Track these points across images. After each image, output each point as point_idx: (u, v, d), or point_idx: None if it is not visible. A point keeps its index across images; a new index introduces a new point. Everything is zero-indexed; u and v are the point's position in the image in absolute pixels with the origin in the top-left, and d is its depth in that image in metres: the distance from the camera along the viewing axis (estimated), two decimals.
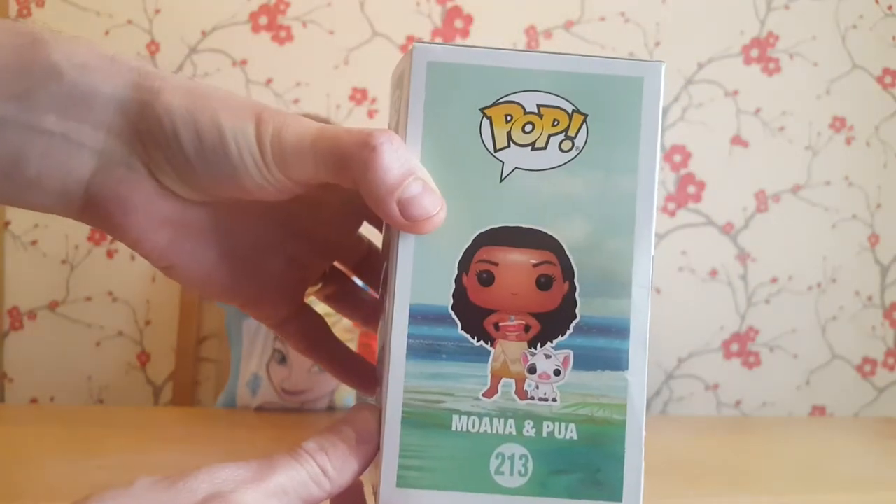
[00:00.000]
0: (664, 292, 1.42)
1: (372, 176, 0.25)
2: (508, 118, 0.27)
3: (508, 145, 0.27)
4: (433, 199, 0.26)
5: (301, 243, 0.34)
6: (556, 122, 0.27)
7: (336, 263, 0.39)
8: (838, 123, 1.49)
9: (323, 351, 0.38)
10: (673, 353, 1.44)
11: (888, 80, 1.50)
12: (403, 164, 0.25)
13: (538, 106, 0.27)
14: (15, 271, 1.32)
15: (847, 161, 1.49)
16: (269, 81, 1.39)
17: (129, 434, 0.79)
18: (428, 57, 0.27)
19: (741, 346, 1.47)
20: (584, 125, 0.27)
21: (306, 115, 0.30)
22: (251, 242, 0.32)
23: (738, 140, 1.47)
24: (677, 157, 1.47)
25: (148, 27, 1.37)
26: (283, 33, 1.40)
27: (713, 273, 1.47)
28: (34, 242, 1.32)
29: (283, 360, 0.93)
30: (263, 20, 1.39)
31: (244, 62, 1.39)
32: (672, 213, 1.46)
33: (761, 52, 1.48)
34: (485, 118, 0.27)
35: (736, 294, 1.47)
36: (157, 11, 1.38)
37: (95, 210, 0.27)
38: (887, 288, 1.50)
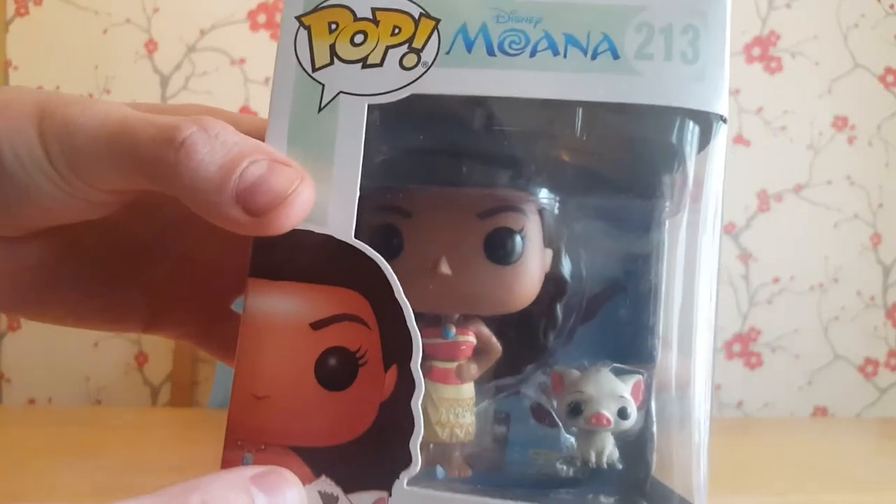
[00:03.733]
0: None
1: (187, 182, 0.18)
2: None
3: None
4: (286, 175, 0.18)
5: (196, 245, 0.26)
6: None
7: None
8: (840, 123, 1.48)
9: None
10: None
11: (890, 79, 1.49)
12: (231, 150, 0.18)
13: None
14: None
15: (849, 160, 1.48)
16: (267, 80, 1.38)
17: (127, 434, 0.79)
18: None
19: (743, 347, 1.47)
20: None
21: (191, 106, 0.23)
22: (125, 255, 0.25)
23: (739, 139, 1.47)
24: None
25: (146, 26, 1.37)
26: None
27: None
28: None
29: None
30: (262, 18, 1.39)
31: (242, 61, 1.38)
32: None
33: (763, 51, 1.47)
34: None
35: (738, 294, 1.47)
36: (156, 10, 1.37)
37: None
38: (889, 288, 1.49)
